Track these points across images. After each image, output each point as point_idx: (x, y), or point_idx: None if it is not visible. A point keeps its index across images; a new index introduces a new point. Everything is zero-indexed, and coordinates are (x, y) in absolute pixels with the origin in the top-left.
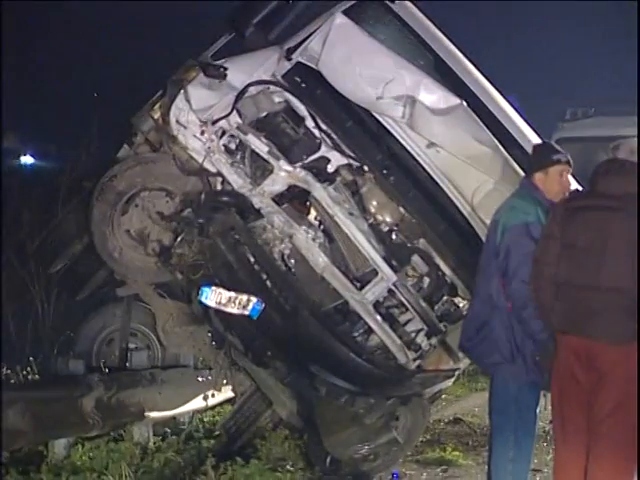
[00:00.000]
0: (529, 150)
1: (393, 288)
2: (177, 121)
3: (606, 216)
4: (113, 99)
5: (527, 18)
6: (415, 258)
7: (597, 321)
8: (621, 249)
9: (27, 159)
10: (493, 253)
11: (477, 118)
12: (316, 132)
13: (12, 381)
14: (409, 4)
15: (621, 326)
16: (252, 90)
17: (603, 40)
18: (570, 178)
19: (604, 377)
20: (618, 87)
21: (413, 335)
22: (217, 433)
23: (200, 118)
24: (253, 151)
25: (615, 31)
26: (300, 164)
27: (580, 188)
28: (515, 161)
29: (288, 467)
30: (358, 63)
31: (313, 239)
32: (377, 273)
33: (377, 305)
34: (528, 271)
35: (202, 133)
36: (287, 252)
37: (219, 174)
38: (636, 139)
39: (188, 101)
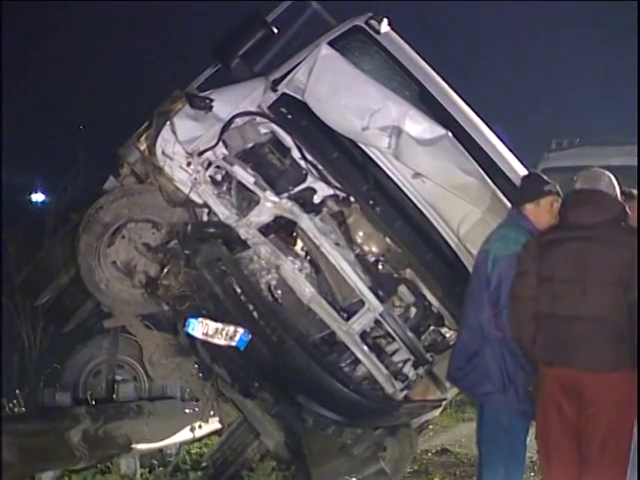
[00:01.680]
0: (515, 180)
1: (380, 318)
2: (163, 152)
3: (581, 246)
4: (99, 131)
5: (511, 47)
6: (402, 288)
7: (581, 351)
8: (599, 278)
9: (38, 196)
10: (484, 283)
11: (463, 148)
12: (302, 163)
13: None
14: (394, 35)
15: (605, 355)
16: (238, 121)
17: (589, 70)
18: (555, 205)
19: (591, 407)
20: (605, 117)
21: (400, 365)
22: (204, 465)
23: (186, 149)
24: (239, 182)
25: (601, 63)
26: (286, 195)
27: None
28: (501, 191)
29: None
30: (344, 94)
31: (300, 270)
32: (364, 303)
33: (364, 335)
34: None
35: (188, 164)
36: (274, 283)
37: (205, 205)
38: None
39: (174, 132)
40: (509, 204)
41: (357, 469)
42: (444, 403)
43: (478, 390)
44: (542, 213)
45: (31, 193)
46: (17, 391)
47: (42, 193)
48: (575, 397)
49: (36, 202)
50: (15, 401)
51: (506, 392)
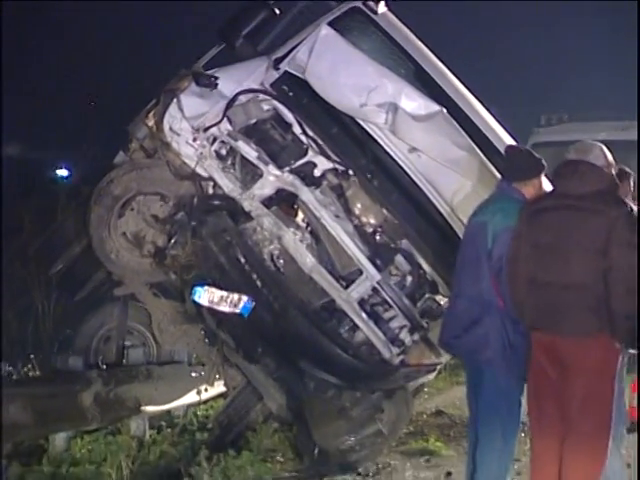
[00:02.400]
0: (505, 154)
1: (377, 286)
2: (170, 128)
3: (567, 215)
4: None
5: (506, 27)
6: (398, 258)
7: (562, 317)
8: (582, 247)
9: (62, 172)
10: (484, 255)
11: (456, 124)
12: (303, 138)
13: (14, 377)
14: (391, 16)
15: (584, 320)
16: (242, 98)
17: (578, 47)
18: (542, 179)
19: (571, 370)
20: (593, 92)
21: (397, 331)
22: (210, 426)
23: (192, 125)
24: (243, 157)
25: (591, 40)
26: (288, 169)
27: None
28: (492, 164)
29: (278, 458)
30: (343, 72)
31: (301, 240)
32: (362, 272)
33: (362, 303)
34: None
35: (194, 140)
36: (276, 253)
37: (211, 179)
38: (587, 140)
39: (181, 109)
40: (499, 176)
41: (356, 430)
42: (439, 367)
43: (478, 356)
44: (532, 189)
45: (56, 169)
46: (32, 356)
47: (66, 169)
48: (557, 361)
49: (62, 177)
50: (30, 366)
51: (506, 357)
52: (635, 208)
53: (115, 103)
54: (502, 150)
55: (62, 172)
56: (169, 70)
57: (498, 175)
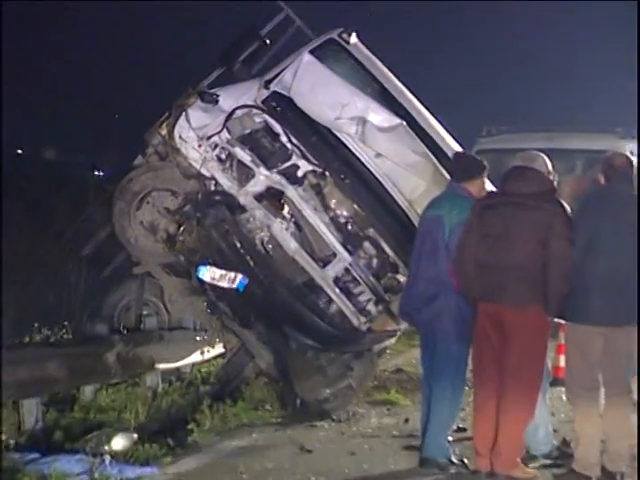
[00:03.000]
0: (453, 159)
1: (349, 267)
2: (180, 137)
3: (512, 211)
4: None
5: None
6: (366, 243)
7: (506, 291)
8: (525, 237)
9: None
10: (441, 244)
11: (413, 134)
12: (288, 145)
13: (51, 340)
14: (361, 45)
15: (523, 294)
16: (238, 112)
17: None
18: (486, 181)
19: (511, 333)
20: (526, 106)
21: (364, 303)
22: (211, 380)
23: (198, 134)
24: (239, 160)
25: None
26: (276, 170)
27: (494, 189)
28: (443, 167)
29: (267, 407)
30: (321, 91)
31: (286, 229)
32: (336, 255)
33: (336, 280)
34: None
35: (199, 146)
36: (266, 239)
37: (212, 178)
38: (532, 150)
39: (188, 121)
40: (449, 177)
41: (330, 384)
42: (398, 333)
43: (434, 326)
44: (478, 186)
45: (95, 170)
46: (66, 323)
47: (95, 170)
48: (499, 326)
49: (91, 176)
50: (64, 331)
51: (457, 327)
52: (568, 208)
53: (135, 116)
54: (451, 156)
55: (91, 172)
56: (179, 87)
57: (448, 176)
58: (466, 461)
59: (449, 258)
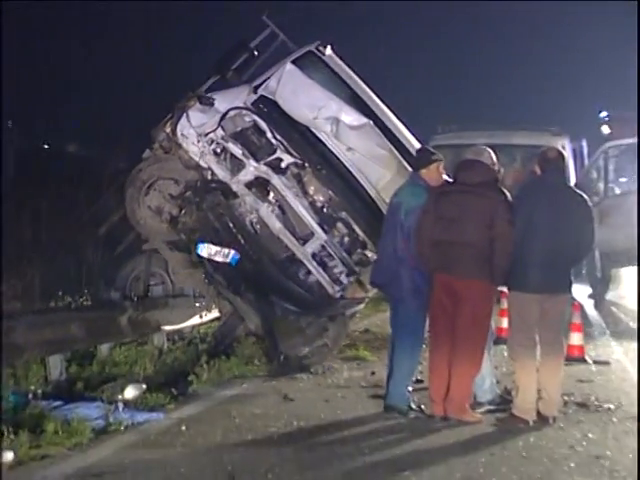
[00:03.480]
0: (414, 153)
1: (324, 244)
2: (181, 134)
3: (464, 197)
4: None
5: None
6: (339, 224)
7: (458, 265)
8: (475, 219)
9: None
10: (399, 225)
11: (379, 132)
12: (273, 141)
13: (73, 305)
14: (335, 56)
15: (473, 268)
16: (231, 113)
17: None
18: (441, 170)
19: (462, 300)
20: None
21: (338, 275)
22: (209, 339)
23: (197, 132)
24: (232, 154)
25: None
26: (263, 162)
27: (448, 179)
28: (405, 160)
29: (255, 362)
30: (301, 95)
31: (272, 212)
32: (314, 234)
33: (314, 255)
34: None
35: (198, 142)
36: (254, 220)
37: (209, 169)
38: (482, 146)
39: (189, 120)
40: (410, 169)
41: (309, 343)
42: (366, 300)
43: (396, 295)
44: (432, 174)
45: (101, 162)
46: (86, 291)
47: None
48: (451, 295)
49: (105, 167)
50: (85, 297)
51: (414, 296)
52: (509, 195)
53: (143, 116)
54: (411, 150)
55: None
56: (180, 91)
57: (409, 168)
58: (423, 407)
59: (404, 237)
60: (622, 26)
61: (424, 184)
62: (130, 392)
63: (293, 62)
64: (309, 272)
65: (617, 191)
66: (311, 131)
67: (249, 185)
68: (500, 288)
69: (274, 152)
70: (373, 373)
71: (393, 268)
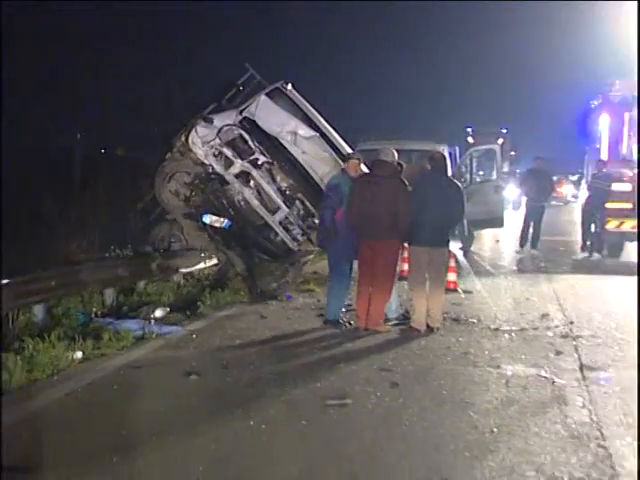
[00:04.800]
0: (344, 155)
1: (287, 215)
2: (192, 142)
3: (376, 185)
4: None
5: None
6: (297, 202)
7: (376, 230)
8: (384, 199)
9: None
10: (337, 201)
11: (324, 141)
12: (253, 147)
13: (120, 255)
14: (294, 90)
15: (384, 231)
16: (225, 128)
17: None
18: (362, 166)
19: (378, 252)
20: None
21: (296, 235)
22: (210, 278)
23: (202, 141)
24: (226, 155)
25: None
26: (246, 161)
27: (367, 171)
28: (339, 159)
29: (241, 293)
30: (271, 117)
31: (252, 194)
32: (280, 208)
33: (280, 222)
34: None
35: (202, 147)
36: (240, 199)
37: (210, 165)
38: (389, 148)
39: (197, 133)
40: (342, 165)
41: (276, 280)
42: (314, 252)
43: (335, 249)
44: (352, 168)
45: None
46: (129, 246)
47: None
48: (371, 249)
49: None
50: (127, 250)
51: (344, 249)
52: (407, 183)
53: (167, 129)
54: (344, 153)
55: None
56: (192, 112)
57: (341, 164)
58: (352, 322)
59: (331, 210)
60: (485, 62)
61: (348, 175)
62: (158, 313)
63: (266, 94)
64: (277, 234)
65: (478, 180)
66: (278, 140)
67: (237, 176)
68: (404, 244)
69: (253, 154)
70: (318, 300)
71: (329, 231)
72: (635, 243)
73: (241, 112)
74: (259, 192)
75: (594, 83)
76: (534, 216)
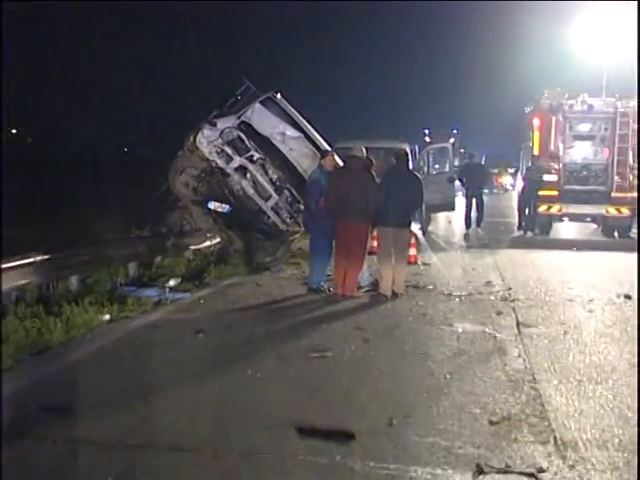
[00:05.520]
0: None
1: (277, 201)
2: (199, 141)
3: (350, 176)
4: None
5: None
6: (285, 191)
7: (350, 215)
8: (357, 188)
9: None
10: (319, 191)
11: (307, 140)
12: (249, 145)
13: (141, 235)
14: (282, 99)
15: (357, 215)
16: (226, 130)
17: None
18: (338, 161)
19: (353, 234)
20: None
21: (285, 218)
22: (214, 254)
23: (207, 141)
24: (226, 152)
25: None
26: (243, 157)
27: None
28: (320, 156)
29: (240, 266)
30: (265, 120)
31: (248, 184)
32: (272, 196)
33: (272, 207)
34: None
35: (208, 146)
36: (239, 189)
37: (214, 161)
38: (361, 147)
39: (203, 134)
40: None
41: (270, 256)
42: (300, 232)
43: (315, 230)
44: (328, 163)
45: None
46: (148, 227)
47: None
48: (347, 230)
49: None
50: (147, 231)
51: (323, 230)
52: (376, 175)
53: (180, 130)
54: (323, 150)
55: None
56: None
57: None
58: (331, 289)
59: (317, 198)
60: (440, 70)
61: (325, 168)
62: (172, 282)
63: (260, 102)
64: (269, 217)
65: (433, 172)
66: (270, 140)
67: (236, 170)
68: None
69: (249, 151)
70: (304, 272)
71: (312, 215)
72: (560, 223)
73: (239, 117)
74: (254, 183)
75: (529, 91)
76: (475, 201)
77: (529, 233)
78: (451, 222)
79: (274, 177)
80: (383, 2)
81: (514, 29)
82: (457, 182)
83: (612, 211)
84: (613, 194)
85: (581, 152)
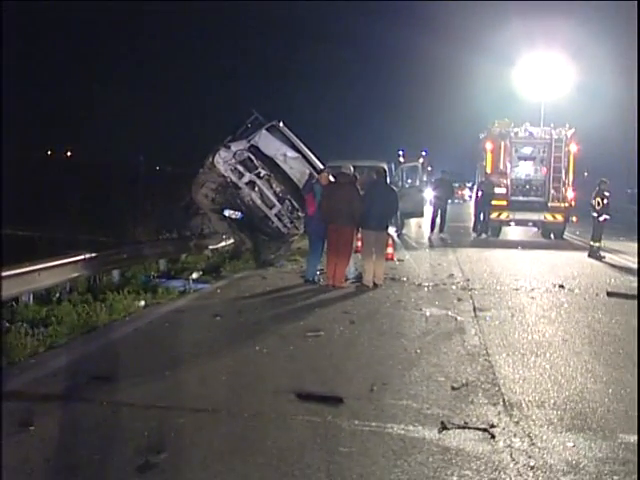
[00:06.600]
0: (318, 170)
1: (280, 210)
2: (216, 161)
3: (339, 189)
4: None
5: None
6: (286, 201)
7: (339, 219)
8: (346, 199)
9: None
10: (315, 199)
11: (304, 160)
12: (257, 164)
13: (168, 237)
14: (284, 126)
15: (345, 220)
16: (238, 152)
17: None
18: (330, 177)
19: (341, 236)
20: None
21: (286, 223)
22: (228, 252)
23: (223, 160)
24: (239, 170)
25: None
26: (253, 173)
27: (333, 180)
28: (315, 173)
29: (250, 262)
30: (270, 144)
31: (256, 196)
32: (275, 205)
33: (276, 214)
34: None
35: (223, 164)
36: (249, 199)
37: (229, 177)
38: (348, 165)
39: (220, 155)
40: (316, 176)
41: (274, 253)
42: (299, 234)
43: (311, 232)
44: (323, 179)
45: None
46: (175, 230)
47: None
48: (336, 232)
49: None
50: (174, 234)
51: (318, 232)
52: (360, 188)
53: (201, 152)
54: (318, 169)
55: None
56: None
57: (316, 175)
58: (323, 281)
59: (309, 205)
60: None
61: (320, 183)
62: (195, 275)
63: (265, 129)
64: (273, 222)
65: (406, 186)
66: (274, 160)
67: (246, 184)
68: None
69: (257, 169)
70: (302, 266)
71: (308, 220)
72: (508, 227)
73: (249, 141)
74: (261, 194)
75: (483, 121)
76: (440, 209)
77: (483, 235)
78: (421, 227)
79: (277, 190)
80: (360, 48)
81: (472, 72)
82: (426, 194)
83: (549, 217)
84: (550, 204)
85: (524, 170)
